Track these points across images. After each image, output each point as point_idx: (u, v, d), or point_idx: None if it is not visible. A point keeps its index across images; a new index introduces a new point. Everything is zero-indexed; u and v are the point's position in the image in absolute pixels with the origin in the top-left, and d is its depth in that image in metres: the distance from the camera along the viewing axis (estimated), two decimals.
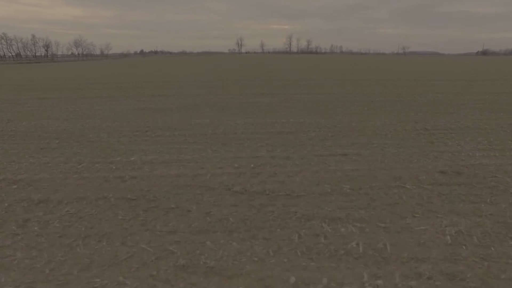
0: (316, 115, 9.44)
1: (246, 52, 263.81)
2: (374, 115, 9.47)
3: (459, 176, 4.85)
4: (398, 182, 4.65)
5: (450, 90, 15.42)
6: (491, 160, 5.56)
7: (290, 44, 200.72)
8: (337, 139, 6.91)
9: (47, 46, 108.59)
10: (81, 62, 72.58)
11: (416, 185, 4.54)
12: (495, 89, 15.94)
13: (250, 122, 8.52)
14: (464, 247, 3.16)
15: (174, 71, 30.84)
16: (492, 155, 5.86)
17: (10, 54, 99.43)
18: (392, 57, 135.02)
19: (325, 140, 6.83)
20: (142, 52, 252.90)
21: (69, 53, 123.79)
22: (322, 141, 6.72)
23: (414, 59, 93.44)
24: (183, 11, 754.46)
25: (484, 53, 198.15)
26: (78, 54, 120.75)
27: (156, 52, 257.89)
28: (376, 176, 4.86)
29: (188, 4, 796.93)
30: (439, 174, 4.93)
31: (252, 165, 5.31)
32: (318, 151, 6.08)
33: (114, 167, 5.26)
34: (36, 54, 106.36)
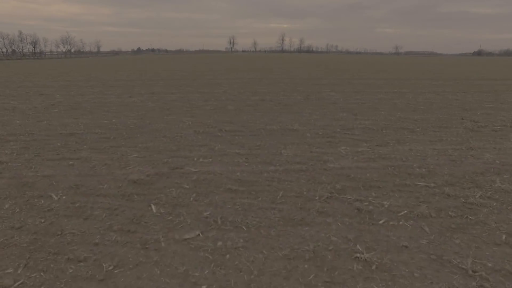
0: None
1: (243, 51, 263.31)
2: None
3: None
4: None
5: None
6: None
7: (282, 43, 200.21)
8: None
9: (34, 43, 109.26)
10: (57, 60, 73.14)
11: None
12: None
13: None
14: None
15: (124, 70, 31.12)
16: None
17: None
18: (369, 56, 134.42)
19: None
20: (138, 49, 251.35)
21: (58, 50, 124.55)
22: None
23: (397, 58, 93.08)
24: (183, 9, 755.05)
25: (479, 53, 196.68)
26: (66, 51, 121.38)
27: (153, 50, 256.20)
28: None
29: (189, 2, 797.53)
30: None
31: None
32: None
33: None
34: (24, 50, 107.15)
